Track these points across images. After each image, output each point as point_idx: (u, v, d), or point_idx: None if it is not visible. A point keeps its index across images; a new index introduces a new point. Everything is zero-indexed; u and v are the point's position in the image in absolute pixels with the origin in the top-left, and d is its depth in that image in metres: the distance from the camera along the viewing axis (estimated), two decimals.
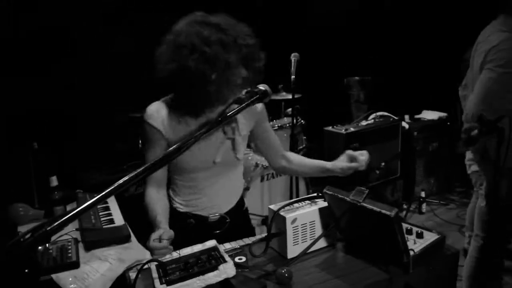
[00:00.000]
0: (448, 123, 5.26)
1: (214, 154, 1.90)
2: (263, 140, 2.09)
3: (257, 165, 3.87)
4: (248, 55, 1.69)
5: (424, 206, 4.96)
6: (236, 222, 2.06)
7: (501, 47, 2.35)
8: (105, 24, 4.16)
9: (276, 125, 4.11)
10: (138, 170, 1.22)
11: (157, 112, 1.85)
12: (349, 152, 1.94)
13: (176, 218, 1.96)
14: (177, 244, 1.68)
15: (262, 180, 3.92)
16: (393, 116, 4.85)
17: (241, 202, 2.14)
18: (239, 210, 2.12)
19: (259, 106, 1.99)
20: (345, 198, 1.60)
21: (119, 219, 2.33)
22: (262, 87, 1.59)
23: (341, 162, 1.94)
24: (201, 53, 1.61)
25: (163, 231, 1.65)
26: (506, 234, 2.97)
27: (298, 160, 2.13)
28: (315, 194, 1.85)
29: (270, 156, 2.14)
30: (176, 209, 2.01)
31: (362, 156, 1.91)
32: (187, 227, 1.98)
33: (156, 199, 1.90)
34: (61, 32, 3.96)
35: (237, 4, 4.62)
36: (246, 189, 3.68)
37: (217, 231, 1.99)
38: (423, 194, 4.95)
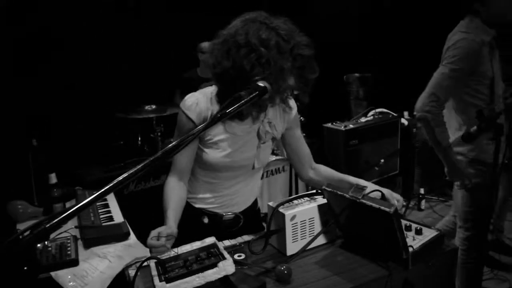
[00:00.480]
0: None
1: (250, 158, 1.90)
2: (293, 148, 2.06)
3: None
4: (302, 66, 1.67)
5: (423, 202, 4.96)
6: (249, 221, 2.06)
7: (456, 45, 2.55)
8: (105, 24, 4.16)
9: None
10: (138, 167, 1.21)
11: (196, 104, 1.81)
12: (388, 193, 1.82)
13: (190, 213, 1.96)
14: (187, 240, 1.69)
15: (261, 177, 3.91)
16: (392, 113, 4.85)
17: (256, 202, 2.14)
18: (253, 210, 2.12)
19: (294, 111, 1.98)
20: (344, 194, 1.60)
21: (118, 217, 2.32)
22: (261, 83, 1.57)
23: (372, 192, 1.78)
24: (258, 55, 1.59)
25: (163, 229, 1.65)
26: (488, 227, 3.04)
27: (328, 174, 2.04)
28: (314, 191, 1.85)
29: (299, 166, 2.10)
30: (190, 204, 2.00)
31: (397, 201, 1.80)
32: (200, 224, 1.98)
33: (173, 190, 1.88)
34: (59, 31, 3.95)
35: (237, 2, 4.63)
36: None
37: (230, 230, 1.99)
38: (422, 190, 4.95)
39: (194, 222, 1.96)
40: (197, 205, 2.00)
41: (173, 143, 1.31)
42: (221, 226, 1.98)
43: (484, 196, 2.66)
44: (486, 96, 2.61)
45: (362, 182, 1.87)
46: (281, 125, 1.97)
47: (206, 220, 1.98)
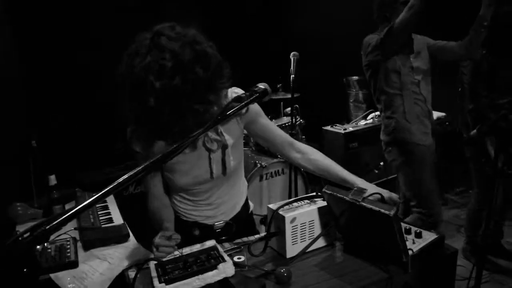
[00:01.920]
0: (447, 123, 5.25)
1: (208, 170, 1.84)
2: (264, 137, 1.96)
3: (255, 164, 3.87)
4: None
5: None
6: (241, 227, 2.02)
7: (367, 41, 3.26)
8: (101, 22, 4.14)
9: (275, 125, 4.11)
10: (137, 169, 1.21)
11: (133, 132, 1.76)
12: (387, 195, 1.79)
13: (181, 226, 1.92)
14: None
15: (261, 179, 3.92)
16: None
17: (246, 205, 2.09)
18: (245, 215, 2.07)
19: (243, 111, 1.79)
20: (344, 197, 1.60)
21: (118, 218, 2.33)
22: (262, 85, 1.57)
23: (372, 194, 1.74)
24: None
25: (172, 233, 1.66)
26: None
27: (323, 166, 1.94)
28: (314, 194, 1.84)
29: (279, 151, 2.00)
30: (179, 217, 1.97)
31: (394, 203, 1.77)
32: (192, 236, 1.94)
33: (159, 208, 1.88)
34: (59, 30, 3.95)
35: (237, 3, 4.62)
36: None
37: (223, 238, 1.95)
38: None
39: (185, 235, 1.84)
40: (185, 219, 1.96)
41: (172, 147, 1.31)
42: (213, 236, 1.90)
43: (413, 171, 3.20)
44: (397, 84, 3.16)
45: (359, 181, 1.85)
46: (237, 128, 1.88)
47: (197, 232, 1.95)
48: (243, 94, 1.55)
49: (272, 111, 4.60)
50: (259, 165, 3.85)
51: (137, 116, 1.56)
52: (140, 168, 1.22)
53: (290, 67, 3.44)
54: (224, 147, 1.84)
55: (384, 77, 3.21)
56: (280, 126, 4.10)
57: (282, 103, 4.72)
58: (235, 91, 1.77)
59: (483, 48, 3.17)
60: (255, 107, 1.89)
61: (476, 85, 3.15)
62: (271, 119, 4.34)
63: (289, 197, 3.72)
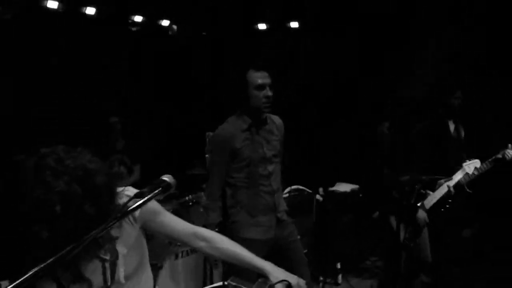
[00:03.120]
0: (360, 195, 5.44)
1: (102, 280, 1.71)
2: (164, 234, 1.91)
3: (170, 242, 3.79)
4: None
5: (339, 277, 5.02)
6: None
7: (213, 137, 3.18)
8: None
9: (191, 201, 4.09)
10: (31, 273, 1.17)
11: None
12: (295, 283, 1.76)
13: None
14: None
15: (176, 258, 3.82)
16: (308, 190, 4.96)
17: None
18: None
19: (137, 212, 1.72)
20: None
21: None
22: (165, 178, 1.55)
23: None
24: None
25: None
26: None
27: (229, 253, 1.89)
28: (221, 283, 1.83)
29: (184, 244, 1.96)
30: None
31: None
32: None
33: None
34: None
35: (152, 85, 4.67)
36: (160, 267, 3.58)
37: None
38: (338, 265, 5.01)
39: None
40: None
41: (70, 247, 1.27)
42: None
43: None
44: (242, 177, 3.05)
45: (268, 266, 1.81)
46: (131, 232, 1.78)
47: None
48: (145, 189, 1.52)
49: (189, 187, 4.58)
50: (173, 243, 3.77)
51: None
52: (33, 271, 1.18)
53: (206, 145, 3.52)
54: (116, 257, 1.74)
55: (230, 169, 3.08)
56: (197, 202, 4.09)
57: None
58: (126, 194, 1.69)
59: (386, 128, 3.40)
60: (151, 205, 1.79)
61: (380, 164, 3.34)
62: (188, 195, 4.29)
63: (204, 276, 3.66)
